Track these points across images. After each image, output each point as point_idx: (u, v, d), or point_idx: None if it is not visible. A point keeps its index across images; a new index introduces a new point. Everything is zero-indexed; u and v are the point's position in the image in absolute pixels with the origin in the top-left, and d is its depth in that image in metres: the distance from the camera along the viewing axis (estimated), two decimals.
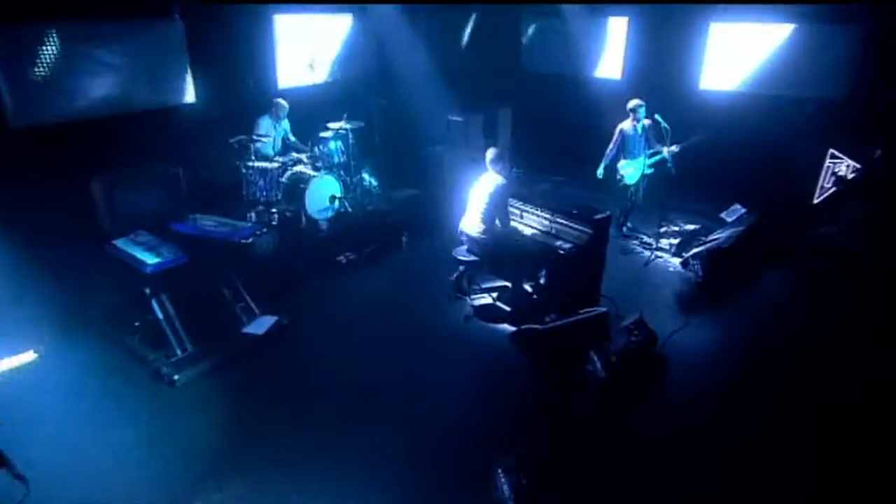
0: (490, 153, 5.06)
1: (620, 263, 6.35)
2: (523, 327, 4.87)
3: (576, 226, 5.19)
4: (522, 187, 5.47)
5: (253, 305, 5.24)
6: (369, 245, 6.48)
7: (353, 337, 5.08)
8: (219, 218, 5.62)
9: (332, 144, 7.12)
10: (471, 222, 5.22)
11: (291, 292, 5.66)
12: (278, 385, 4.54)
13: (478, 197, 5.13)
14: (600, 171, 6.86)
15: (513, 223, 5.40)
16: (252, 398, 4.43)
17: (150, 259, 4.67)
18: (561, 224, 5.25)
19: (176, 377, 4.49)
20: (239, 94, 7.07)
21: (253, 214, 6.41)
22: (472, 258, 5.34)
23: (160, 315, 4.69)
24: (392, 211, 7.23)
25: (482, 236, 5.16)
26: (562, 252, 5.05)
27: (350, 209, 6.95)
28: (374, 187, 7.66)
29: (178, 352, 4.67)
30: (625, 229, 7.09)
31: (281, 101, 6.94)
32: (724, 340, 5.10)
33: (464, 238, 5.38)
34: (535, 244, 5.27)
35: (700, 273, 5.97)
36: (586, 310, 4.83)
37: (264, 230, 6.11)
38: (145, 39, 6.27)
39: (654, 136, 6.58)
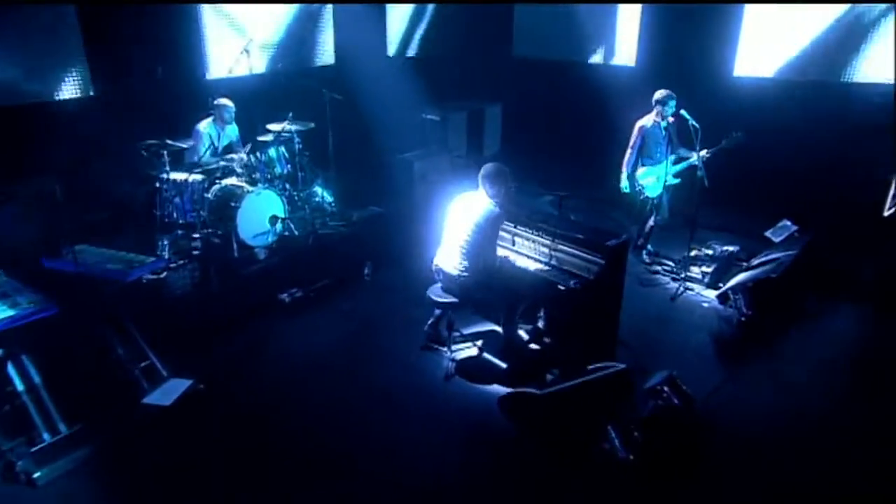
0: (488, 169, 4.81)
1: (641, 298, 6.19)
2: (516, 391, 4.51)
3: (583, 254, 4.95)
4: (516, 206, 5.19)
5: (159, 365, 4.85)
6: (321, 279, 6.33)
7: (297, 405, 4.76)
8: (110, 251, 5.26)
9: (272, 151, 6.88)
10: (449, 257, 5.02)
11: (216, 344, 5.38)
12: (191, 477, 4.11)
13: (460, 225, 4.91)
14: (624, 184, 6.72)
15: (503, 252, 5.20)
16: (151, 500, 3.98)
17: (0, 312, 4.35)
18: (564, 252, 5.03)
19: (37, 474, 3.98)
20: (155, 85, 6.78)
21: (166, 242, 6.10)
22: (452, 299, 5.07)
23: (19, 386, 4.22)
24: (351, 235, 7.11)
25: (463, 274, 4.94)
26: (564, 289, 4.78)
27: (296, 233, 6.77)
28: (329, 204, 7.52)
29: (46, 436, 4.17)
30: (645, 254, 6.93)
31: (224, 100, 6.75)
32: (781, 401, 4.83)
33: (440, 276, 5.13)
34: (532, 279, 5.02)
35: (743, 310, 5.78)
36: (599, 365, 4.46)
37: (181, 262, 5.90)
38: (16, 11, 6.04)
39: (680, 137, 6.43)
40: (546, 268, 5.08)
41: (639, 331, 5.53)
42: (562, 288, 4.83)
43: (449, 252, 5.03)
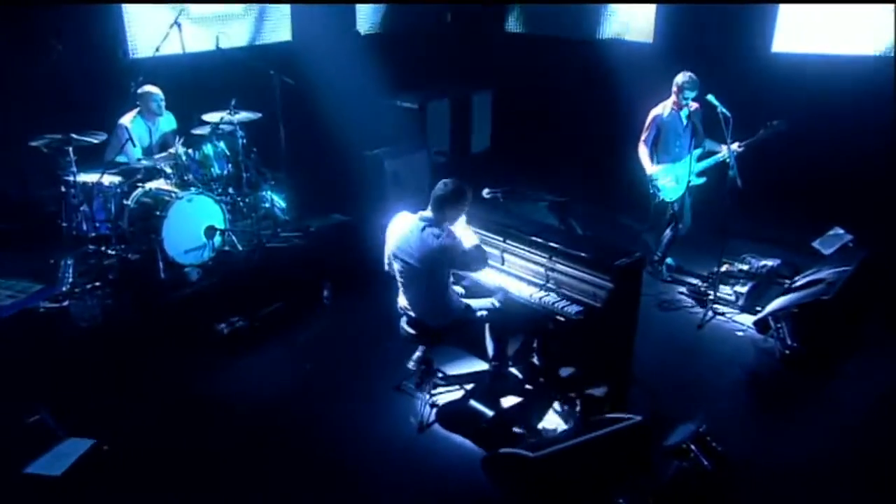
0: (446, 187, 4.59)
1: (660, 325, 6.10)
2: (504, 452, 4.20)
3: (587, 275, 4.77)
4: (504, 215, 5.15)
5: (51, 422, 4.61)
6: (269, 304, 6.21)
7: (235, 468, 4.56)
8: None
9: (208, 148, 6.79)
10: (407, 295, 4.90)
11: (131, 391, 5.20)
12: None
13: (400, 260, 4.76)
14: (655, 171, 6.47)
15: (491, 274, 5.11)
16: None
17: None
18: (564, 273, 4.90)
19: None
20: (58, 65, 6.66)
21: (70, 262, 5.92)
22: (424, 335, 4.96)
23: None
24: (307, 248, 7.08)
25: (422, 319, 4.80)
26: (564, 319, 4.66)
27: (239, 247, 6.75)
28: (281, 212, 7.48)
29: None
30: (665, 270, 6.87)
31: (149, 87, 6.68)
32: (837, 459, 4.64)
33: (405, 320, 5.02)
34: (524, 307, 4.91)
35: (787, 341, 5.59)
36: (607, 416, 4.30)
37: (89, 287, 5.77)
38: None
39: (707, 127, 6.35)
40: (542, 293, 4.94)
41: (658, 368, 5.39)
42: (561, 319, 4.71)
43: (403, 289, 4.86)
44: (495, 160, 9.44)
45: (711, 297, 6.28)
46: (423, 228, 4.50)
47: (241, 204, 7.05)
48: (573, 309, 4.69)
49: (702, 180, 6.48)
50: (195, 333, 5.81)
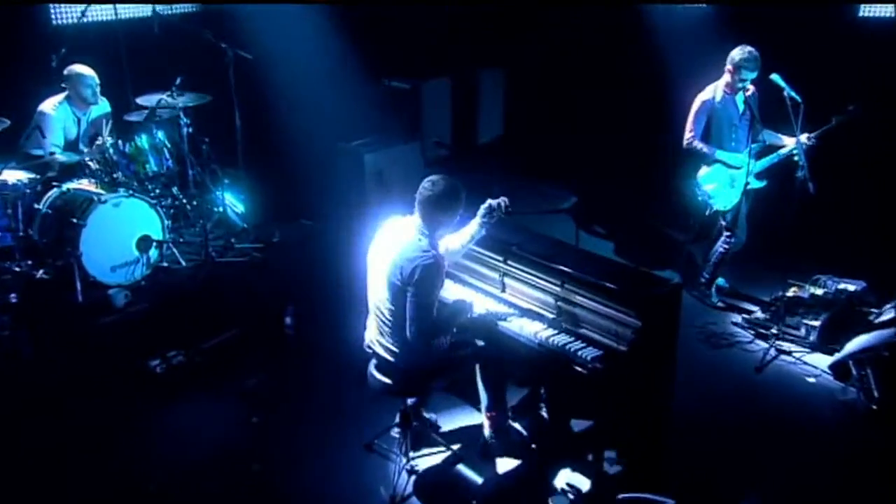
0: (434, 186, 4.52)
1: (707, 366, 5.91)
2: None
3: (609, 309, 4.58)
4: (505, 229, 4.95)
5: None
6: (217, 334, 6.10)
7: None
8: None
9: (142, 139, 6.71)
10: (374, 329, 4.86)
11: (34, 445, 5.03)
12: None
13: (379, 280, 4.70)
14: (705, 173, 6.39)
15: (481, 302, 5.01)
16: None
17: None
18: (580, 306, 4.73)
19: None
20: None
21: None
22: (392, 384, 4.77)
23: None
24: (269, 265, 7.05)
25: (395, 359, 4.67)
26: (580, 369, 4.47)
27: (182, 262, 6.74)
28: (238, 217, 7.48)
29: None
30: (714, 293, 6.76)
31: (82, 69, 6.61)
32: None
33: (374, 360, 4.92)
34: (528, 349, 4.75)
35: (874, 392, 5.38)
36: (633, 496, 4.25)
37: None
38: None
39: (769, 115, 6.24)
40: (551, 332, 4.75)
41: (703, 425, 5.21)
42: (578, 368, 4.49)
43: (373, 323, 4.84)
44: (510, 151, 9.40)
45: (774, 330, 6.13)
46: (420, 239, 4.43)
47: (187, 208, 7.06)
48: (589, 353, 4.49)
49: (762, 183, 6.38)
50: (120, 373, 5.70)
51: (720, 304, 6.64)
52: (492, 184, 6.64)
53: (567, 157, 8.88)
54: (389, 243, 4.58)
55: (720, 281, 6.75)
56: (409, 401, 5.06)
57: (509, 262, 4.95)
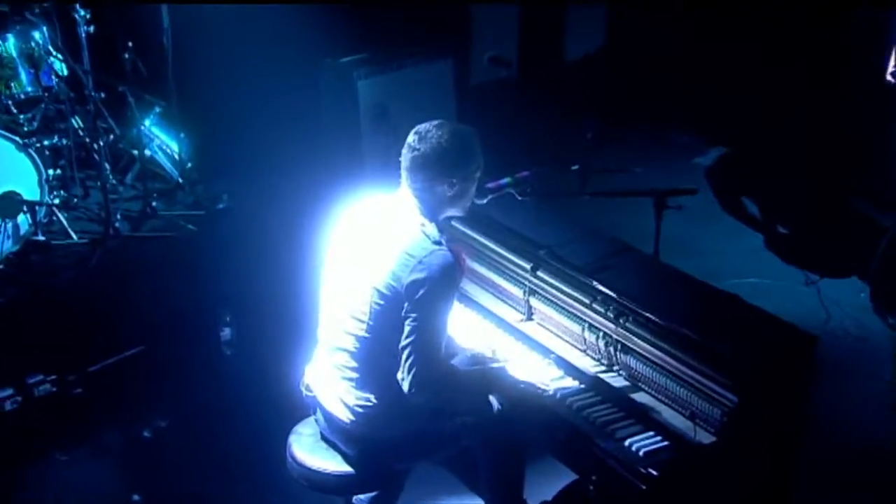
0: (430, 138, 4.06)
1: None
2: None
3: (688, 368, 4.03)
4: (533, 217, 4.76)
5: None
6: (112, 352, 5.76)
7: None
8: None
9: (9, 42, 6.49)
10: (328, 370, 4.30)
11: None
12: None
13: (348, 294, 4.21)
14: None
15: (504, 342, 4.62)
16: None
17: None
18: (640, 354, 4.24)
19: None
20: None
21: None
22: (346, 471, 4.34)
23: None
24: (203, 241, 6.77)
25: (363, 422, 4.22)
26: (643, 471, 3.88)
27: (74, 236, 6.41)
28: (174, 164, 7.15)
29: None
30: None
31: None
32: None
33: (316, 413, 4.53)
34: (555, 415, 4.31)
35: None
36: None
37: None
38: None
39: None
40: (584, 398, 4.14)
41: None
42: (629, 475, 3.86)
43: (328, 358, 4.19)
44: (614, 72, 8.76)
45: None
46: (423, 225, 4.02)
47: (91, 150, 6.65)
48: (645, 443, 3.77)
49: None
50: None
51: None
52: (585, 128, 6.53)
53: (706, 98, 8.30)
54: (368, 234, 4.03)
55: None
56: (362, 499, 4.45)
57: (540, 273, 4.34)
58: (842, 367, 5.97)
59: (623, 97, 8.56)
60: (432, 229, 3.94)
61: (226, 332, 5.93)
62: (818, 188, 7.91)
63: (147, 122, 7.10)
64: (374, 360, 4.02)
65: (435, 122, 4.03)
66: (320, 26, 7.58)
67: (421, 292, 3.83)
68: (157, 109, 7.14)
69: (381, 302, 3.94)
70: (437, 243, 3.87)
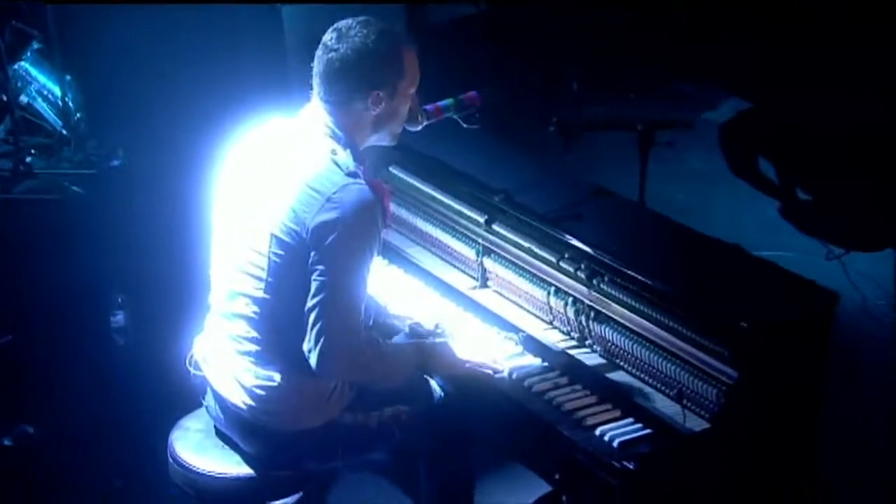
0: (344, 40, 3.88)
1: None
2: None
3: (680, 345, 3.99)
4: (487, 160, 4.83)
5: None
6: None
7: None
8: None
9: None
10: (225, 348, 4.10)
11: None
12: None
13: (239, 242, 4.04)
14: None
15: (445, 310, 4.60)
16: None
17: None
18: (615, 323, 4.23)
19: None
20: None
21: None
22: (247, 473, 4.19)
23: None
24: (92, 206, 6.88)
25: (265, 406, 4.04)
26: (618, 465, 3.81)
27: None
28: (56, 112, 7.22)
29: None
30: None
31: None
32: None
33: (213, 401, 4.35)
34: (514, 406, 4.20)
35: None
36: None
37: None
38: None
39: None
40: (547, 378, 4.09)
41: None
42: (615, 463, 3.80)
43: (221, 328, 4.03)
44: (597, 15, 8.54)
45: None
46: (334, 152, 3.84)
47: None
48: (621, 432, 3.69)
49: None
50: None
51: None
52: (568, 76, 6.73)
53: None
54: (263, 166, 3.83)
55: None
56: None
57: (495, 226, 4.21)
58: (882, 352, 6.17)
59: (614, 36, 8.58)
60: (346, 157, 3.65)
61: (118, 317, 5.91)
62: (861, 146, 7.90)
63: (22, 61, 7.07)
64: (276, 328, 3.84)
65: (360, 19, 3.82)
66: None
67: (330, 238, 3.60)
68: (35, 45, 7.11)
69: (281, 252, 3.71)
70: (352, 175, 3.60)
